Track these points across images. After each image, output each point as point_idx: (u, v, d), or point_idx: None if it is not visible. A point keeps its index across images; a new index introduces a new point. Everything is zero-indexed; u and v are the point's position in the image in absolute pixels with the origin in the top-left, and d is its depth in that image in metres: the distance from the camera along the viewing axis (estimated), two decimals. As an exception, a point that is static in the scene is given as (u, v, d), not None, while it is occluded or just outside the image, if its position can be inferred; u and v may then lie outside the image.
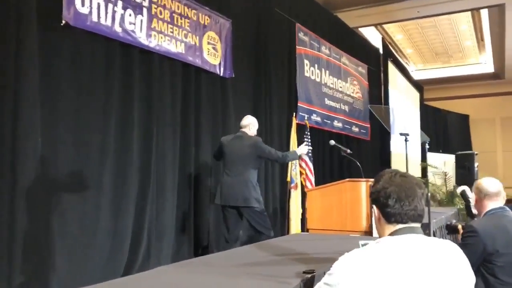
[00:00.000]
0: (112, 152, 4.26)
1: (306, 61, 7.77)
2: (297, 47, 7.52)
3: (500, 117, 17.15)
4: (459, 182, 7.92)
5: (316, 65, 8.11)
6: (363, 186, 3.71)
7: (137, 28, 4.56)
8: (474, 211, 2.66)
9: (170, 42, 4.97)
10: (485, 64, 15.63)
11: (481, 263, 2.30)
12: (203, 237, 5.39)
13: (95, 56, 4.18)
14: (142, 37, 4.62)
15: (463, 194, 3.98)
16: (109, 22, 4.25)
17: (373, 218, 1.44)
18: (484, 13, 11.60)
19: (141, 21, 4.62)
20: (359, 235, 3.52)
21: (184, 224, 5.12)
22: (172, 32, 5.01)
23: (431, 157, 6.12)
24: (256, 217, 4.37)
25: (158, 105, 4.82)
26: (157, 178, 4.75)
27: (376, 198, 1.47)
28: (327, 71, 8.55)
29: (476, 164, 6.86)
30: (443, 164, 10.38)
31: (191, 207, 5.21)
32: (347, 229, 3.61)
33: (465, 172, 6.91)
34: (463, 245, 2.25)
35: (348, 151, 4.58)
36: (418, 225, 1.44)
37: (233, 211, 4.46)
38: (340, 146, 4.68)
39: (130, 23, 4.48)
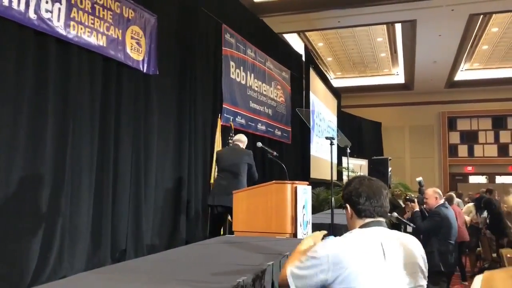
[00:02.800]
0: (22, 149, 3.92)
1: (232, 63, 7.75)
2: (223, 48, 7.47)
3: (409, 126, 18.47)
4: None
5: (241, 67, 8.12)
6: (289, 188, 3.73)
7: (54, 16, 4.25)
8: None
9: (90, 34, 4.69)
10: (397, 75, 16.70)
11: (438, 231, 4.29)
12: (121, 241, 5.13)
13: (6, 44, 3.83)
14: (59, 27, 4.31)
15: (420, 182, 5.62)
16: (22, 8, 3.91)
17: (346, 216, 1.77)
18: (398, 28, 12.40)
19: (59, 9, 4.32)
20: (284, 238, 3.54)
21: (101, 227, 4.84)
22: (93, 24, 4.74)
23: (347, 161, 6.39)
24: None
25: (75, 100, 4.53)
26: (72, 177, 4.46)
27: (348, 197, 1.74)
28: (252, 74, 8.60)
29: (389, 169, 7.24)
30: (359, 168, 10.89)
31: (109, 209, 4.94)
32: (272, 231, 3.60)
33: (379, 177, 7.25)
34: (431, 220, 4.34)
35: (275, 153, 4.62)
36: (383, 219, 1.72)
37: (222, 211, 4.89)
38: (267, 148, 4.70)
39: (47, 11, 4.17)
